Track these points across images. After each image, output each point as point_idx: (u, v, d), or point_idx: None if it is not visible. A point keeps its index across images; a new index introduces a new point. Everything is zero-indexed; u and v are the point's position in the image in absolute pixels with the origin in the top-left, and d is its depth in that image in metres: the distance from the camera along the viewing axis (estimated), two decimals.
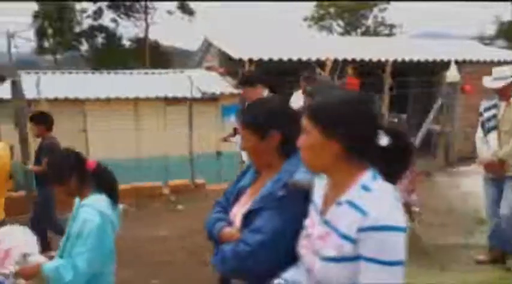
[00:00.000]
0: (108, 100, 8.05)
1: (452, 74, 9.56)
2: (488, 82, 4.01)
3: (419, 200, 5.10)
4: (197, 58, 13.61)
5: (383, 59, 9.50)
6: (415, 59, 10.03)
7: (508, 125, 3.89)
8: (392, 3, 30.78)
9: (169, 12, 30.61)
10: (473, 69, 10.44)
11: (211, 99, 8.74)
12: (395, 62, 9.47)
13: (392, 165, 1.31)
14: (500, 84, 3.87)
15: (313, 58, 9.00)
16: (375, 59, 9.64)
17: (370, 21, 31.93)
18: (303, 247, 1.38)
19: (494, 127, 3.97)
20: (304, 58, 9.11)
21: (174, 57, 31.68)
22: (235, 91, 8.91)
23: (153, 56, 28.48)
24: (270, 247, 1.44)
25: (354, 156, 1.29)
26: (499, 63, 10.84)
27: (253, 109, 1.70)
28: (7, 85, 7.79)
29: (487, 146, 4.02)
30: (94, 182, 2.23)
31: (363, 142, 1.28)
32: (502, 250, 4.09)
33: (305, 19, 32.56)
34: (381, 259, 1.19)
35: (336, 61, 8.83)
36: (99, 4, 29.22)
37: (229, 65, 9.95)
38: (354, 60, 9.48)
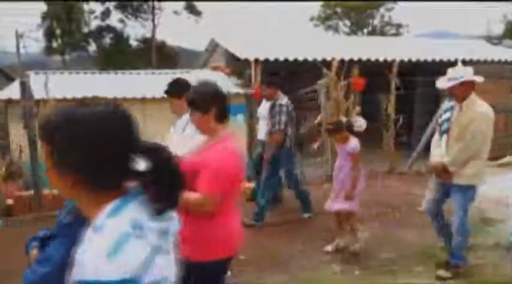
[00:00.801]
0: (115, 100, 8.12)
1: None
2: (440, 82, 3.88)
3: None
4: (203, 58, 13.67)
5: (389, 59, 9.48)
6: (422, 58, 10.00)
7: (457, 130, 3.73)
8: (399, 2, 30.67)
9: (176, 13, 30.77)
10: (480, 68, 10.39)
11: None
12: (401, 61, 9.45)
13: (164, 190, 1.13)
14: (448, 84, 3.72)
15: (319, 58, 9.01)
16: (381, 59, 9.62)
17: (376, 21, 31.83)
18: None
19: (447, 131, 3.82)
20: (310, 58, 9.12)
21: (181, 57, 31.83)
22: (242, 91, 8.95)
23: (159, 56, 28.64)
24: (56, 278, 1.32)
25: (96, 184, 1.10)
26: (506, 63, 10.78)
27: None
28: (16, 85, 7.89)
29: (439, 150, 3.87)
30: None
31: (101, 168, 1.08)
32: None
33: (311, 19, 32.56)
34: None
35: (342, 61, 8.83)
36: (106, 5, 29.42)
37: (236, 65, 9.98)
38: (360, 60, 9.47)
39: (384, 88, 9.48)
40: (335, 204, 4.41)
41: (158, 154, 1.13)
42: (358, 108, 9.04)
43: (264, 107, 5.75)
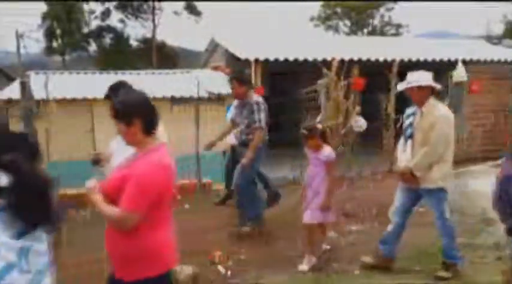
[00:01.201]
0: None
1: (459, 74, 9.52)
2: (400, 85, 3.89)
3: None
4: (204, 58, 13.68)
5: (389, 59, 9.48)
6: (422, 58, 10.00)
7: (420, 135, 3.72)
8: (399, 2, 30.67)
9: (176, 13, 30.77)
10: (481, 69, 10.40)
11: (218, 99, 8.79)
12: (401, 61, 9.45)
13: (23, 209, 1.06)
14: (404, 87, 3.73)
15: (319, 58, 9.01)
16: (381, 59, 9.63)
17: (376, 21, 31.83)
18: None
19: (411, 136, 3.82)
20: (310, 58, 9.12)
21: (181, 57, 31.83)
22: None
23: (160, 56, 28.64)
24: None
25: None
26: (506, 63, 10.78)
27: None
28: (16, 85, 7.90)
29: (405, 155, 3.86)
30: None
31: None
32: (389, 257, 4.02)
33: (311, 19, 32.56)
34: None
35: (342, 61, 8.83)
36: (107, 5, 29.44)
37: (236, 65, 9.99)
38: (360, 60, 9.48)
39: (384, 88, 9.48)
40: (307, 215, 4.19)
41: (18, 169, 1.05)
42: (358, 108, 9.04)
43: (234, 109, 5.29)
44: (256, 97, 4.98)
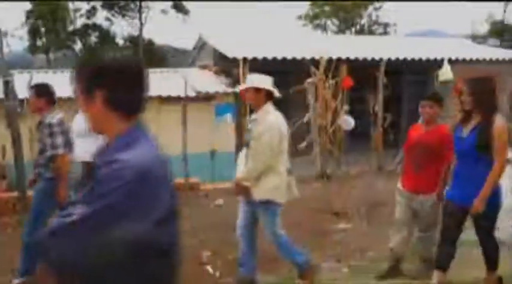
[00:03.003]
0: None
1: (445, 73, 9.62)
2: (239, 87, 3.79)
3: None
4: (191, 57, 13.60)
5: (377, 58, 9.53)
6: (409, 57, 10.07)
7: (253, 143, 3.49)
8: (386, 2, 30.88)
9: (164, 11, 30.51)
10: (466, 67, 10.52)
11: (206, 98, 8.73)
12: (389, 60, 9.50)
13: None
14: (239, 88, 3.55)
15: (308, 57, 9.01)
16: (369, 58, 9.67)
17: (364, 20, 32.02)
18: None
19: (248, 144, 3.58)
20: (299, 57, 9.12)
21: (169, 56, 31.61)
22: (229, 90, 8.91)
23: (147, 54, 28.39)
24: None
25: None
26: (491, 62, 10.93)
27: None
28: None
29: (241, 165, 3.63)
30: None
31: None
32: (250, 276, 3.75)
33: (299, 17, 32.60)
34: None
35: (330, 60, 8.85)
36: (92, 3, 29.08)
37: (224, 64, 9.94)
38: (348, 59, 9.50)
39: (372, 87, 9.53)
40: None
41: None
42: (346, 107, 9.08)
43: (76, 122, 4.54)
44: (50, 117, 3.96)
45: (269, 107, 3.51)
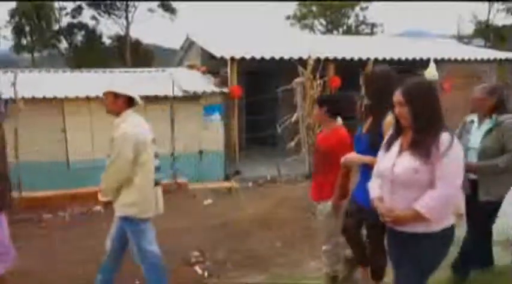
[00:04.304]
0: (87, 99, 7.92)
1: (430, 72, 9.72)
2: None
3: None
4: (179, 57, 13.52)
5: (364, 58, 9.58)
6: (396, 57, 10.15)
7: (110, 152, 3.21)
8: (373, 2, 31.12)
9: (151, 10, 30.31)
10: (452, 67, 10.66)
11: (193, 97, 8.68)
12: (376, 60, 9.56)
13: None
14: (102, 91, 3.28)
15: (295, 57, 9.03)
16: (356, 58, 9.72)
17: (351, 20, 32.23)
18: None
19: None
20: (286, 57, 9.13)
21: (156, 55, 31.41)
22: (217, 90, 8.88)
23: (134, 54, 28.16)
24: None
25: None
26: (476, 62, 11.08)
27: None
28: None
29: None
30: None
31: None
32: None
33: (287, 17, 32.69)
34: None
35: (318, 60, 8.87)
36: (78, 1, 28.74)
37: (211, 64, 9.90)
38: (335, 59, 9.54)
39: (359, 86, 9.58)
40: None
41: None
42: None
43: None
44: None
45: (127, 114, 3.22)
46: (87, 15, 29.77)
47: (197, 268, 4.37)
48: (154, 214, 3.31)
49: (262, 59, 9.19)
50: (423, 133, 2.14)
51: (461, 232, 3.46)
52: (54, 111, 7.93)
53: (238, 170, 8.81)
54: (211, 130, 8.80)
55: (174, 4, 30.54)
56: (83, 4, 28.93)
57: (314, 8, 31.31)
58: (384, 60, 9.97)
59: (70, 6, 28.97)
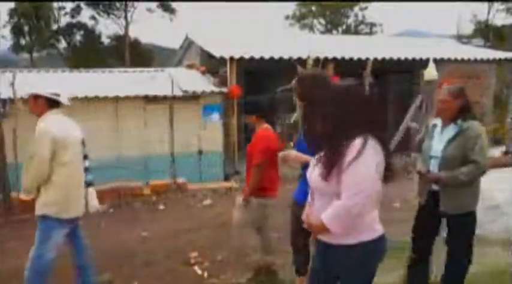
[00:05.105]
0: (86, 99, 7.91)
1: (430, 72, 9.71)
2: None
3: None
4: (178, 56, 13.50)
5: (363, 58, 9.58)
6: (395, 57, 10.15)
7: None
8: (373, 2, 31.12)
9: (150, 10, 30.27)
10: (451, 67, 10.65)
11: (193, 97, 8.67)
12: (375, 60, 9.56)
13: None
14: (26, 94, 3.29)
15: (295, 56, 9.02)
16: (355, 58, 9.71)
17: (351, 20, 32.23)
18: None
19: None
20: (286, 56, 9.12)
21: (155, 55, 31.38)
22: (217, 89, 8.87)
23: (133, 54, 28.12)
24: None
25: None
26: (475, 62, 11.08)
27: None
28: None
29: None
30: None
31: None
32: None
33: (287, 17, 32.69)
34: None
35: (317, 59, 8.86)
36: (77, 1, 28.70)
37: (211, 63, 9.89)
38: (335, 59, 9.54)
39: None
40: None
41: None
42: None
43: None
44: None
45: (49, 114, 3.17)
46: (86, 15, 29.85)
47: (196, 268, 4.36)
48: (91, 211, 3.36)
49: (262, 58, 9.18)
50: (330, 140, 2.01)
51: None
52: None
53: (238, 170, 8.80)
54: (210, 130, 8.80)
55: (174, 4, 30.51)
56: (82, 4, 28.89)
57: (313, 8, 31.31)
58: (383, 60, 9.97)
59: (69, 6, 28.94)
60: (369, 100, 2.13)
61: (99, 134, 7.85)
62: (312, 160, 2.17)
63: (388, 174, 2.07)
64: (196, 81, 9.33)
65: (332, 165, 1.95)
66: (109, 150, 7.92)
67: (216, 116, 8.88)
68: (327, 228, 1.97)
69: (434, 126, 3.10)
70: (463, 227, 3.02)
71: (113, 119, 8.11)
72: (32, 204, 3.21)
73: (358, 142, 1.93)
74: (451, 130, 2.94)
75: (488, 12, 26.85)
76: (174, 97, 8.35)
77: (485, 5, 26.49)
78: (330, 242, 2.06)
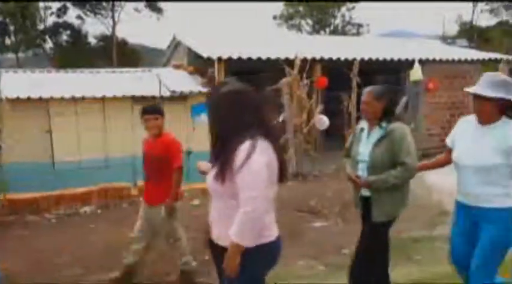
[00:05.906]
0: (73, 100, 7.84)
1: (415, 73, 9.85)
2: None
3: None
4: (166, 56, 13.45)
5: (350, 58, 9.67)
6: (381, 58, 10.26)
7: None
8: (359, 2, 31.37)
9: (137, 10, 30.10)
10: (436, 68, 10.81)
11: (180, 97, 8.65)
12: (362, 60, 9.65)
13: None
14: None
15: (282, 57, 9.06)
16: (342, 58, 9.80)
17: (338, 21, 32.45)
18: None
19: None
20: (273, 57, 9.16)
21: (143, 55, 31.20)
22: (204, 90, 8.87)
23: (120, 54, 27.92)
24: None
25: None
26: (460, 62, 11.25)
27: None
28: None
29: None
30: None
31: None
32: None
33: (274, 17, 32.78)
34: None
35: (304, 60, 8.92)
36: (63, 1, 28.39)
37: (198, 63, 9.88)
38: (322, 59, 9.61)
39: (346, 86, 9.67)
40: None
41: None
42: (321, 106, 9.19)
43: None
44: None
45: None
46: (72, 15, 29.46)
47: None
48: None
49: (249, 58, 9.20)
50: (220, 144, 2.08)
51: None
52: (39, 111, 7.83)
53: None
54: (198, 130, 8.79)
55: (161, 4, 30.37)
56: (68, 4, 28.60)
57: (301, 8, 31.46)
58: (370, 61, 10.08)
59: (55, 5, 28.63)
60: (258, 102, 2.18)
61: (86, 135, 7.80)
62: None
63: (283, 174, 2.11)
64: (184, 82, 9.31)
65: (223, 169, 1.99)
66: (96, 150, 7.87)
67: (204, 116, 8.88)
68: (240, 246, 1.95)
69: (362, 129, 3.03)
70: (384, 235, 3.00)
71: (100, 120, 8.06)
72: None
73: (246, 145, 1.95)
74: (376, 133, 2.89)
75: (473, 13, 27.29)
76: (161, 98, 8.32)
77: (470, 5, 26.91)
78: (224, 246, 2.05)
